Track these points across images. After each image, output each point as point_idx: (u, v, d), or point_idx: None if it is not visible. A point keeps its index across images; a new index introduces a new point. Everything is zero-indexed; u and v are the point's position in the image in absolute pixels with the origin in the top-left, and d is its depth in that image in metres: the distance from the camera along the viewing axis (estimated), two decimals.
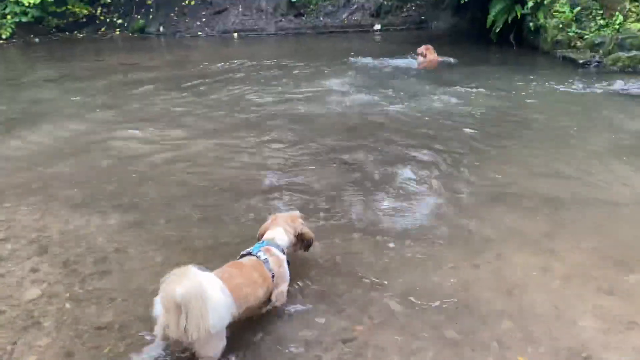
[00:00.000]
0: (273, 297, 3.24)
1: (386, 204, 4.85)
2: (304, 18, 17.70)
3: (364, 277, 3.69)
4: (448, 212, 4.66)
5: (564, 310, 3.33)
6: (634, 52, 11.01)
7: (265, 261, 3.19)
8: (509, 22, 12.94)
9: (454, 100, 8.55)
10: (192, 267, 2.67)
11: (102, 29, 18.14)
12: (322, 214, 4.65)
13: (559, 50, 12.12)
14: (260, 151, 6.33)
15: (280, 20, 17.62)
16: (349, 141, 6.61)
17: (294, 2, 17.49)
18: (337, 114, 7.90)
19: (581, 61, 11.31)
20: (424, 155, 6.03)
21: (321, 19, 17.60)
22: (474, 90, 9.17)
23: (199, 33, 17.45)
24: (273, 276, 3.20)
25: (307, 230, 3.60)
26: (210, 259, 3.73)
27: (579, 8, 12.18)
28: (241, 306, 2.91)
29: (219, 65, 11.87)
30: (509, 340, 3.07)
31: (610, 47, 11.37)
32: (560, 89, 9.27)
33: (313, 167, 5.76)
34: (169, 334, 2.66)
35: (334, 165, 5.84)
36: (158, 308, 2.71)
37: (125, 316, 3.31)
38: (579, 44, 12.11)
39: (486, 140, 6.56)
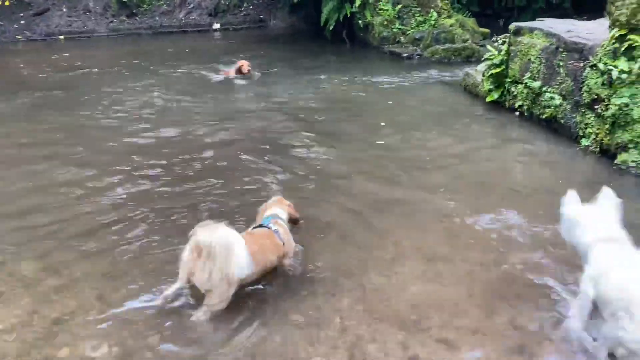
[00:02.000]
0: (286, 262, 3.63)
1: None
2: (137, 18, 16.84)
3: None
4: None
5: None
6: (447, 45, 12.39)
7: (276, 231, 3.54)
8: (341, 19, 13.71)
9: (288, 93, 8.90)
10: (218, 224, 3.05)
11: None
12: None
13: (386, 45, 13.17)
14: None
15: (112, 22, 16.56)
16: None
17: (125, 1, 16.54)
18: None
19: (405, 55, 12.43)
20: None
21: (157, 18, 16.91)
22: (306, 84, 9.67)
23: (18, 37, 15.64)
24: (283, 244, 3.54)
25: (293, 211, 3.97)
26: None
27: (400, 6, 13.33)
28: (256, 267, 3.26)
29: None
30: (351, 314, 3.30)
31: (428, 41, 12.66)
32: (385, 80, 10.12)
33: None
34: (192, 277, 3.00)
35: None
36: (186, 253, 3.03)
37: None
38: (402, 39, 13.27)
39: (322, 119, 6.93)
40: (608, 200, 3.17)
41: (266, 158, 5.97)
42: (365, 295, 3.48)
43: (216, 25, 16.84)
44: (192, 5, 17.30)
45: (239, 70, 9.92)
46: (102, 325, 3.15)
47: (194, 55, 12.85)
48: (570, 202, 3.26)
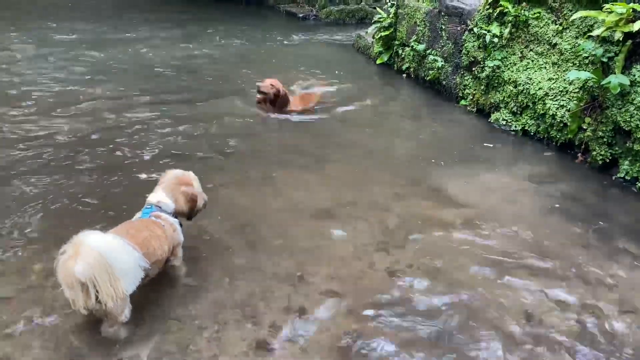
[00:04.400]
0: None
1: None
2: None
3: None
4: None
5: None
6: (341, 6, 12.50)
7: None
8: None
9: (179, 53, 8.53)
10: (85, 235, 2.47)
11: None
12: None
13: (282, 5, 13.02)
14: None
15: None
16: None
17: None
18: None
19: (300, 15, 12.39)
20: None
21: None
22: (204, 42, 9.31)
23: None
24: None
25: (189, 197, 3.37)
26: None
27: None
28: (150, 260, 2.78)
29: None
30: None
31: (323, 2, 12.68)
32: (283, 41, 10.05)
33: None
34: (78, 307, 2.48)
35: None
36: (69, 293, 2.46)
37: None
38: None
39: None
40: None
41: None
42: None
43: None
44: None
45: (275, 102, 6.16)
46: None
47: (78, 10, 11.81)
48: None
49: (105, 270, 2.45)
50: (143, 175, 4.54)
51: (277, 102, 6.13)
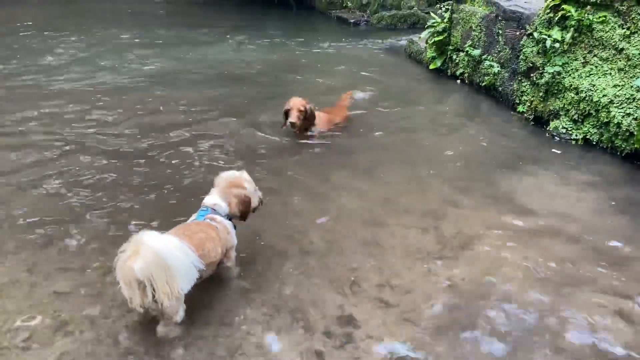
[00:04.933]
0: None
1: None
2: None
3: None
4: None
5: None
6: (393, 11, 12.40)
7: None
8: None
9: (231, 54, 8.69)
10: (144, 235, 2.51)
11: None
12: None
13: (333, 11, 13.06)
14: None
15: None
16: None
17: None
18: None
19: (352, 20, 12.38)
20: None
21: None
22: (256, 47, 9.45)
23: None
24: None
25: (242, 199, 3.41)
26: None
27: None
28: (204, 261, 2.81)
29: None
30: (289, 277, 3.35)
31: (374, 7, 12.63)
32: (334, 45, 10.07)
33: None
34: (135, 305, 2.54)
35: None
36: (127, 292, 2.54)
37: None
38: (349, 4, 13.17)
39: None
40: None
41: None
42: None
43: None
44: None
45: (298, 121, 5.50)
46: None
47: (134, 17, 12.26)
48: None
49: (162, 269, 2.50)
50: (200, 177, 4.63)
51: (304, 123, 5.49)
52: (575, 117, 5.66)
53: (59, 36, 9.98)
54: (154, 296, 2.52)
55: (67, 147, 5.14)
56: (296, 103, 5.41)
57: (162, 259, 2.49)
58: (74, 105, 6.32)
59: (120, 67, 8.14)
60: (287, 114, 5.43)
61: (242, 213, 3.27)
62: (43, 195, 4.24)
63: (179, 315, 2.75)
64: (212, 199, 3.20)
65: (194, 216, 3.16)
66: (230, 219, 3.21)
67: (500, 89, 6.86)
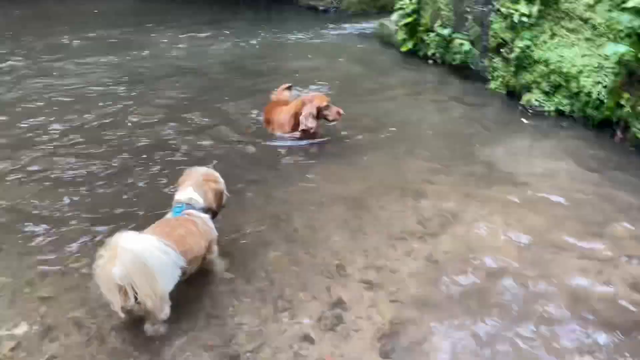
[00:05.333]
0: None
1: None
2: None
3: None
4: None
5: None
6: None
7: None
8: None
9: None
10: (122, 237, 2.46)
11: None
12: None
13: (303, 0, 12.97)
14: None
15: None
16: None
17: None
18: None
19: (321, 8, 12.33)
20: None
21: None
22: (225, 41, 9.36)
23: None
24: None
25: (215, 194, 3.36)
26: None
27: None
28: (187, 257, 2.78)
29: None
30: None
31: None
32: (304, 33, 10.03)
33: None
34: (117, 309, 2.52)
35: None
36: (112, 297, 2.51)
37: None
38: None
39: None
40: None
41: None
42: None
43: None
44: None
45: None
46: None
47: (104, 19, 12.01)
48: None
49: (143, 272, 2.47)
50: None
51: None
52: (547, 89, 5.75)
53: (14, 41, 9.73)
54: (136, 298, 2.50)
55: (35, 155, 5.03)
56: (308, 102, 5.10)
57: (141, 261, 2.46)
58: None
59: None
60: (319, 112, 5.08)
61: (219, 207, 3.26)
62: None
63: (164, 313, 2.71)
64: (186, 193, 3.15)
65: (169, 214, 3.13)
66: (206, 213, 3.19)
67: (472, 66, 6.91)
